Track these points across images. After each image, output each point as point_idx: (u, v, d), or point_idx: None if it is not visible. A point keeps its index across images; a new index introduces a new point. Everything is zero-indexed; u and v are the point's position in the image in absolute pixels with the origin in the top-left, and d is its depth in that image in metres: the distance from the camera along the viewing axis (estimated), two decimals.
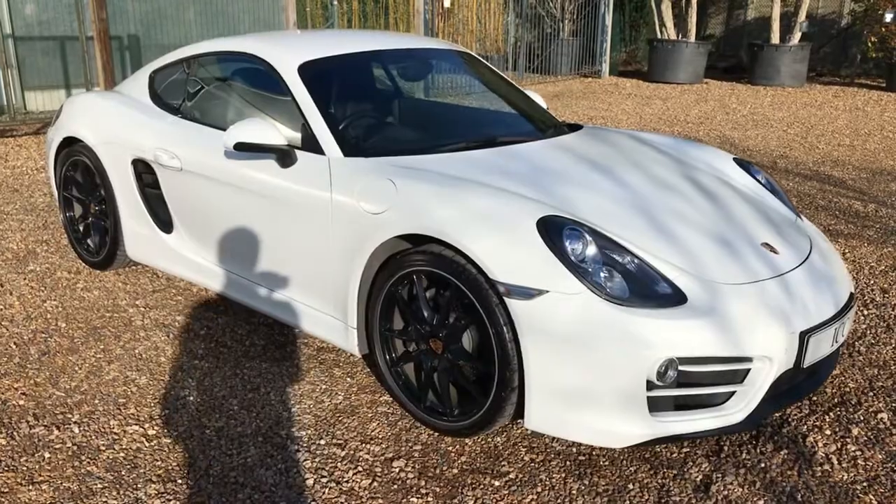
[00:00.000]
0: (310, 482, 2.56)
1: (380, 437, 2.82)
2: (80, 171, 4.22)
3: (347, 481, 2.56)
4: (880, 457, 2.70)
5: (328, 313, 3.11)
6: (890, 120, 9.95)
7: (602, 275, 2.43)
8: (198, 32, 10.37)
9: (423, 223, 2.65)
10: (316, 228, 3.03)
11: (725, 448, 2.73)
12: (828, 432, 2.84)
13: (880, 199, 6.09)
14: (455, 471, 2.62)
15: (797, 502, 2.45)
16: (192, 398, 3.07)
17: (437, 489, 2.52)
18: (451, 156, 3.10)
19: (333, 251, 2.98)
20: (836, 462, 2.67)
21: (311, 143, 3.15)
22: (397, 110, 3.86)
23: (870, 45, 12.76)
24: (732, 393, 2.49)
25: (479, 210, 2.58)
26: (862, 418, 2.93)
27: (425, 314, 2.75)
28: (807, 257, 2.84)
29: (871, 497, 2.49)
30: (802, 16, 12.98)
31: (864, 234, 5.16)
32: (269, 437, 2.81)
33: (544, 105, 4.06)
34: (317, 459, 2.68)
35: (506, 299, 2.45)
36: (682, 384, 2.42)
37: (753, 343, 2.41)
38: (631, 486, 2.54)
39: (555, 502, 2.45)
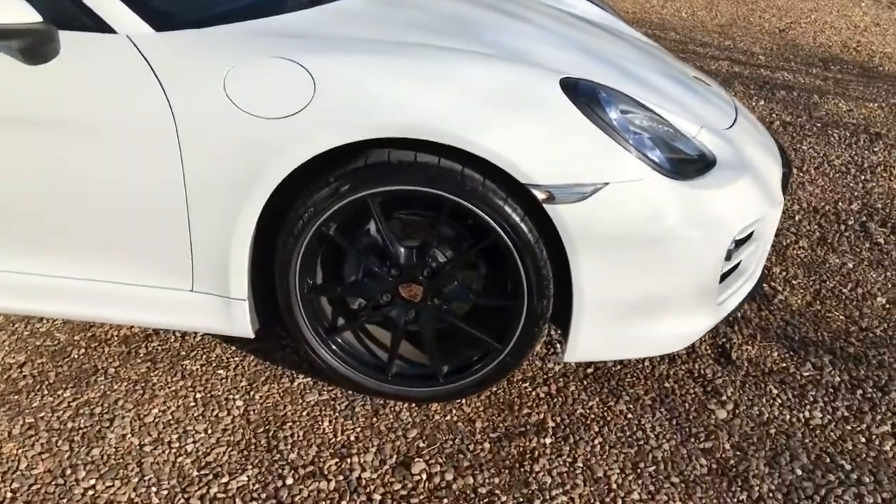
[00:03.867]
0: None
1: (352, 440, 1.95)
2: None
3: None
4: (800, 271, 2.76)
5: (186, 289, 1.97)
6: None
7: (648, 146, 1.87)
8: None
9: (385, 120, 1.72)
10: (146, 159, 1.82)
11: None
12: None
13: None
14: (487, 445, 1.95)
15: (807, 342, 2.37)
16: None
17: (496, 480, 1.84)
18: (317, 12, 2.08)
19: (191, 191, 1.84)
20: (780, 288, 2.65)
21: (73, 17, 1.81)
22: None
23: None
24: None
25: (474, 85, 1.75)
26: None
27: (399, 253, 1.88)
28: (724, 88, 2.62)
29: (839, 314, 2.53)
30: None
31: None
32: None
33: None
34: None
35: (546, 206, 1.75)
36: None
37: (776, 190, 2.14)
38: (668, 385, 2.18)
39: (630, 435, 1.98)
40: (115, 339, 2.30)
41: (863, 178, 3.57)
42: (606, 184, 1.75)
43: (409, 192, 1.79)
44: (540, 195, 1.74)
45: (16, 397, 2.06)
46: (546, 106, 1.76)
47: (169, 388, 2.10)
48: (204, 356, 2.23)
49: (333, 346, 2.01)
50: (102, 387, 2.10)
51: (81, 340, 2.29)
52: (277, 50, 1.79)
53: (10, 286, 2.03)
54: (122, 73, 1.79)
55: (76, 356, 2.23)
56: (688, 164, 1.93)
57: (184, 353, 2.24)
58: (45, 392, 2.08)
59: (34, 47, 1.76)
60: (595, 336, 1.91)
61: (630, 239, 1.79)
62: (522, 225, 1.78)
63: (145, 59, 1.79)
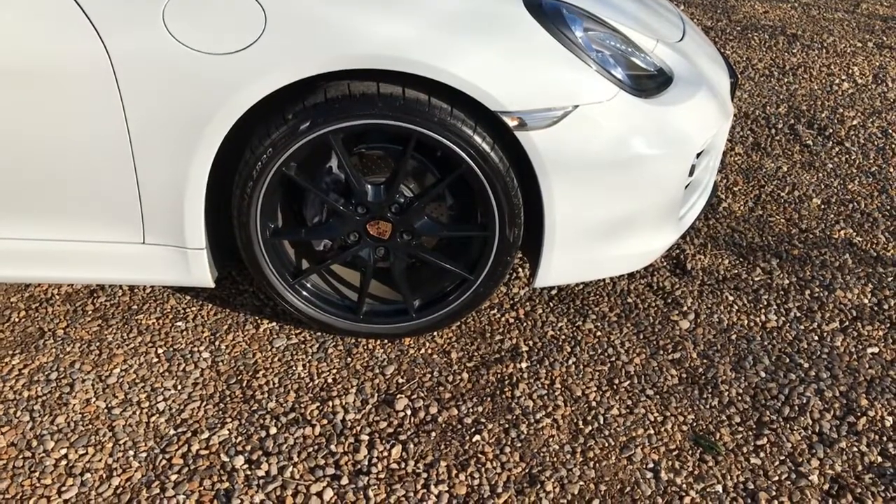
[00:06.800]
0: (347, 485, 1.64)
1: (330, 382, 1.92)
2: None
3: (380, 459, 1.70)
4: (739, 178, 2.84)
5: (137, 241, 1.86)
6: None
7: (611, 64, 1.83)
8: None
9: (345, 51, 1.62)
10: (82, 106, 1.66)
11: None
12: None
13: None
14: (465, 375, 1.95)
15: (754, 247, 2.45)
16: None
17: (479, 409, 1.85)
18: None
19: (135, 137, 1.70)
20: (723, 196, 2.72)
21: None
22: None
23: None
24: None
25: (436, 8, 1.66)
26: None
27: (366, 190, 1.81)
28: None
29: (780, 217, 2.62)
30: None
31: None
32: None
33: None
34: (304, 461, 1.71)
35: (517, 133, 1.71)
36: None
37: (728, 101, 2.16)
38: (631, 300, 2.22)
39: (602, 353, 2.02)
40: (57, 297, 2.17)
41: (786, 80, 3.66)
42: (576, 106, 1.72)
43: (373, 125, 1.71)
44: (511, 122, 1.69)
45: None
46: (512, 27, 1.70)
47: (127, 345, 2.00)
48: (158, 309, 2.13)
49: (302, 291, 1.95)
50: (54, 350, 1.98)
51: (19, 302, 2.15)
52: None
53: None
54: (44, 12, 1.61)
55: (17, 319, 2.09)
56: (648, 81, 1.91)
57: (135, 307, 2.14)
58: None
59: None
60: (566, 260, 1.91)
61: (600, 161, 1.78)
62: (493, 154, 1.74)
63: None
